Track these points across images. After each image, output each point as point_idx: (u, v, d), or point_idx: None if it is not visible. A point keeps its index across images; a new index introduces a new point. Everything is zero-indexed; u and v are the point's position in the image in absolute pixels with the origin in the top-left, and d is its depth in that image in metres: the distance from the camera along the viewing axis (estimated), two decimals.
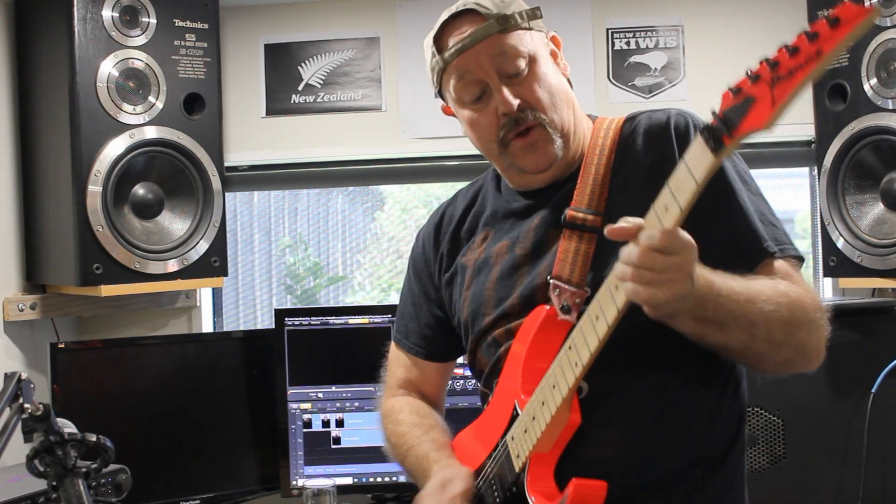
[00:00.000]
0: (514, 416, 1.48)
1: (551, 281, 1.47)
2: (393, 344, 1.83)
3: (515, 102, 1.49)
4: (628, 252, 1.22)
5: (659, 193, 1.21)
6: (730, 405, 1.51)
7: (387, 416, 1.77)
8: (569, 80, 1.59)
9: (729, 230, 1.44)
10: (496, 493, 1.50)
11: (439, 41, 1.55)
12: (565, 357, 1.37)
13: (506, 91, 1.49)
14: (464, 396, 2.49)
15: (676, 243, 1.21)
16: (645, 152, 1.51)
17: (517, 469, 1.45)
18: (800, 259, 1.48)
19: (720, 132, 1.15)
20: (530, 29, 1.52)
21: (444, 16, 1.56)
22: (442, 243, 1.71)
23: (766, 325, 1.34)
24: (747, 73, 1.14)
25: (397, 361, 1.81)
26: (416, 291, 1.76)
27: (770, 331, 1.34)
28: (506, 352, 1.55)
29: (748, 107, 1.13)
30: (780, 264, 1.44)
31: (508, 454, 1.48)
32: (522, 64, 1.49)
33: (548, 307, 1.48)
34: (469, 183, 1.78)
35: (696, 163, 1.17)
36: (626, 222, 1.24)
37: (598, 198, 1.50)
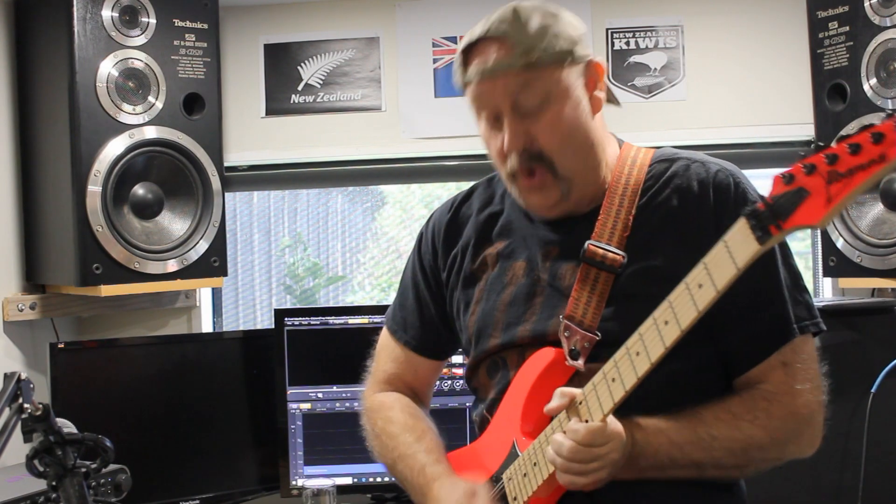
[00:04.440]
0: (512, 455, 1.47)
1: (563, 322, 1.45)
2: (386, 332, 1.77)
3: (519, 144, 1.45)
4: (557, 444, 1.34)
5: (693, 269, 1.22)
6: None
7: (375, 410, 1.72)
8: (604, 104, 1.54)
9: (760, 306, 1.42)
10: None
11: (466, 54, 1.50)
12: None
13: (514, 129, 1.45)
14: (453, 397, 2.49)
15: (600, 438, 1.31)
16: (677, 202, 1.47)
17: None
18: (818, 332, 1.49)
19: (768, 221, 1.12)
20: (560, 64, 1.46)
21: (478, 30, 1.50)
22: (454, 243, 1.66)
23: (716, 464, 1.41)
24: (802, 162, 1.09)
25: (388, 352, 1.76)
26: (421, 285, 1.71)
27: (722, 465, 1.42)
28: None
29: (801, 199, 1.09)
30: (791, 353, 1.45)
31: (504, 494, 1.48)
32: (539, 102, 1.45)
33: (554, 351, 1.46)
34: (487, 177, 1.71)
35: (737, 248, 1.16)
36: (562, 398, 1.37)
37: (619, 234, 1.47)
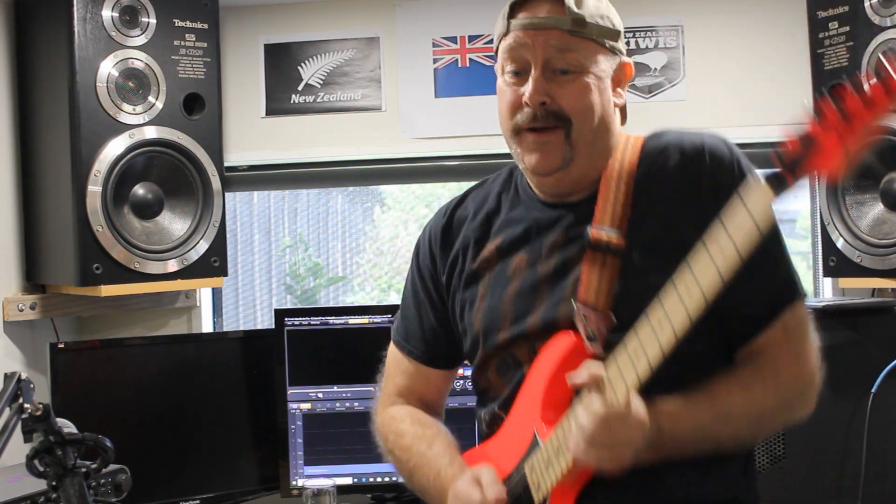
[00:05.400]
0: (534, 445, 1.46)
1: (576, 306, 1.44)
2: (392, 346, 1.77)
3: (540, 99, 1.46)
4: (580, 426, 1.32)
5: (711, 234, 1.22)
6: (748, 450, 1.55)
7: (386, 426, 1.71)
8: (622, 112, 1.55)
9: (764, 270, 1.42)
10: None
11: (514, 6, 1.50)
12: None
13: (539, 83, 1.46)
14: (455, 397, 2.49)
15: (624, 419, 1.30)
16: (674, 173, 1.47)
17: (536, 501, 1.44)
18: (805, 295, 1.50)
19: (783, 169, 1.15)
20: (602, 46, 1.48)
21: None
22: (451, 247, 1.65)
23: (733, 436, 1.44)
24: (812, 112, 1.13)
25: (397, 366, 1.74)
26: (421, 294, 1.70)
27: (739, 436, 1.46)
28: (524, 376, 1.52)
29: (813, 146, 1.12)
30: (791, 318, 1.45)
31: (526, 484, 1.46)
32: (572, 67, 1.46)
33: (573, 335, 1.45)
34: (478, 182, 1.71)
35: (754, 201, 1.17)
36: (589, 373, 1.35)
37: (620, 216, 1.47)
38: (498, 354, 1.56)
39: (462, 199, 1.70)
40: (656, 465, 1.38)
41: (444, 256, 1.66)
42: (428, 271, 1.69)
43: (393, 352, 1.76)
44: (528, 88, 1.46)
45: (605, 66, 1.49)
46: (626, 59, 1.53)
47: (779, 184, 1.15)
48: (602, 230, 1.46)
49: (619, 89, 1.53)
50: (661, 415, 1.37)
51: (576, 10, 1.45)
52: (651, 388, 1.34)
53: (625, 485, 1.37)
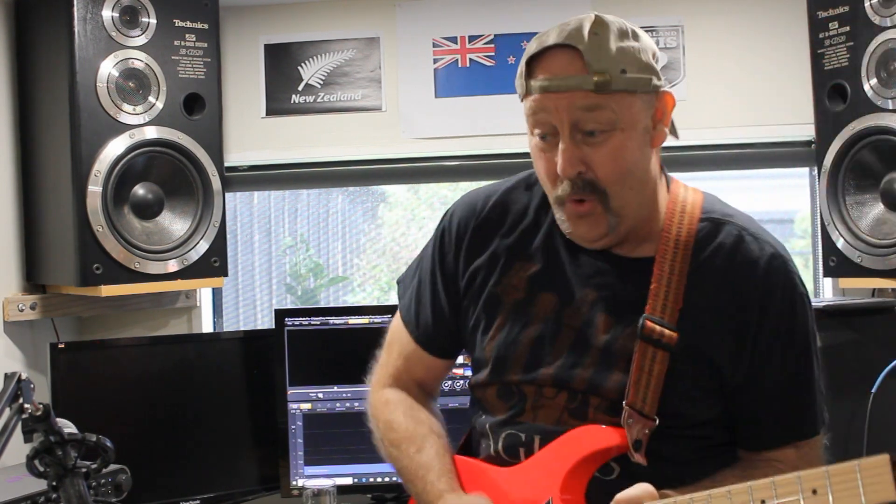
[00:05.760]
0: None
1: (626, 408, 1.39)
2: (399, 322, 1.68)
3: (574, 170, 1.38)
4: None
5: (812, 469, 1.17)
6: None
7: (379, 409, 1.67)
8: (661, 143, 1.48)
9: (794, 394, 1.43)
10: None
11: (532, 62, 1.40)
12: None
13: (569, 153, 1.37)
14: (454, 397, 2.48)
15: None
16: (726, 279, 1.42)
17: None
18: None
19: None
20: (633, 92, 1.37)
21: (552, 37, 1.38)
22: (478, 255, 1.57)
23: None
24: None
25: (400, 347, 1.68)
26: (439, 283, 1.61)
27: None
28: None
29: None
30: (806, 444, 1.47)
31: None
32: (602, 126, 1.36)
33: (620, 437, 1.41)
34: (523, 178, 1.60)
35: (872, 487, 1.10)
36: None
37: (671, 308, 1.41)
38: (504, 384, 1.53)
39: (503, 201, 1.58)
40: None
41: (468, 260, 1.58)
42: (450, 265, 1.61)
43: (398, 327, 1.70)
44: (559, 160, 1.38)
45: (640, 109, 1.39)
46: (664, 88, 1.42)
47: None
48: (656, 322, 1.40)
49: (660, 125, 1.44)
50: None
51: (595, 65, 1.34)
52: (660, 473, 1.36)
53: None
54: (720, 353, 1.39)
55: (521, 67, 1.42)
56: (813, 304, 1.50)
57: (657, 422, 1.38)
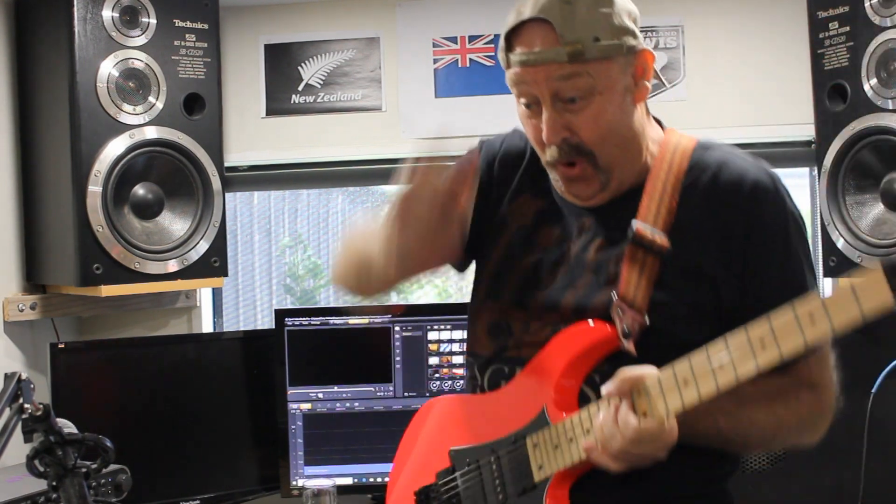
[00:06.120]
0: (540, 421, 1.45)
1: (616, 300, 1.42)
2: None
3: (558, 136, 1.43)
4: (608, 436, 1.33)
5: (809, 300, 1.20)
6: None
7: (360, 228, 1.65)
8: (646, 102, 1.52)
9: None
10: (499, 488, 1.48)
11: (510, 38, 1.44)
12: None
13: (552, 120, 1.42)
14: None
15: (652, 439, 1.31)
16: (717, 196, 1.46)
17: (536, 479, 1.44)
18: None
19: None
20: (609, 59, 1.41)
21: (526, 11, 1.42)
22: (505, 176, 1.61)
23: (744, 443, 1.46)
24: None
25: None
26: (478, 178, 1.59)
27: (749, 445, 1.49)
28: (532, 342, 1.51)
29: None
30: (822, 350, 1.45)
31: (527, 458, 1.46)
32: (581, 93, 1.41)
33: (609, 327, 1.43)
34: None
35: (867, 296, 1.13)
36: (623, 384, 1.33)
37: (664, 218, 1.44)
38: (492, 315, 1.57)
39: (525, 135, 1.59)
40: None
41: (493, 177, 1.62)
42: (485, 170, 1.63)
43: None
44: (544, 128, 1.43)
45: (617, 71, 1.43)
46: (642, 47, 1.45)
47: None
48: (647, 228, 1.44)
49: (642, 81, 1.48)
50: (689, 413, 1.35)
51: (569, 36, 1.38)
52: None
53: (623, 477, 1.38)
54: (712, 268, 1.40)
55: (501, 41, 1.47)
56: None
57: (647, 320, 1.41)
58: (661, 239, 1.43)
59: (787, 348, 1.22)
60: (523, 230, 1.57)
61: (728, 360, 1.27)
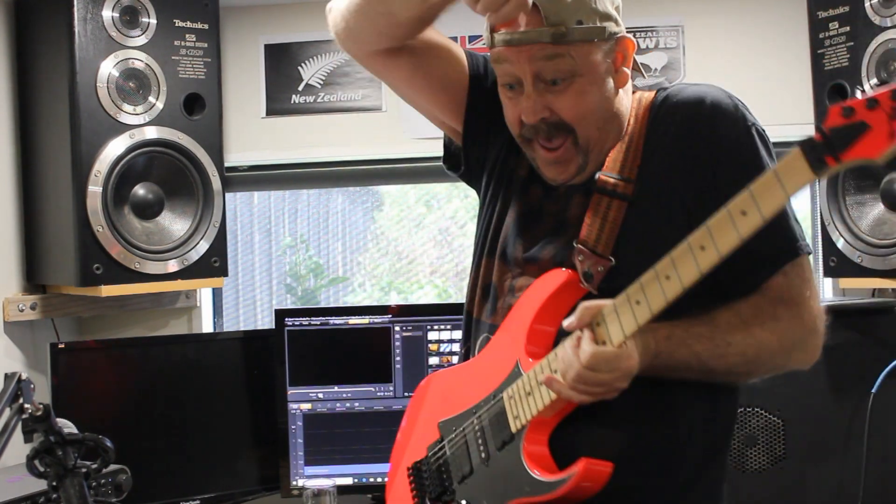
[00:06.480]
0: (515, 374, 1.47)
1: (577, 246, 1.46)
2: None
3: (538, 117, 1.46)
4: (566, 364, 1.34)
5: (737, 195, 1.21)
6: (725, 403, 1.55)
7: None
8: (629, 83, 1.54)
9: (768, 230, 1.41)
10: (481, 446, 1.50)
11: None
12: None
13: (533, 100, 1.46)
14: None
15: (611, 364, 1.32)
16: (680, 125, 1.48)
17: (513, 430, 1.45)
18: (810, 252, 1.50)
19: (823, 152, 1.12)
20: (591, 42, 1.44)
21: None
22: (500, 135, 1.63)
23: (728, 370, 1.44)
24: (864, 97, 1.09)
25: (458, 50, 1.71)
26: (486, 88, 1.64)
27: (734, 371, 1.45)
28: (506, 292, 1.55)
29: (861, 132, 1.09)
30: (791, 268, 1.45)
31: (503, 411, 1.47)
32: (563, 74, 1.44)
33: (567, 271, 1.46)
34: None
35: (789, 176, 1.16)
36: (584, 313, 1.34)
37: (630, 164, 1.48)
38: (481, 278, 1.61)
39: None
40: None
41: (496, 133, 1.64)
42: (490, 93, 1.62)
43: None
44: (524, 106, 1.47)
45: (598, 57, 1.46)
46: (622, 34, 1.48)
47: (820, 166, 1.13)
48: (609, 176, 1.47)
49: (622, 68, 1.50)
50: (658, 338, 1.38)
51: (553, 17, 1.41)
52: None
53: (601, 422, 1.41)
54: (685, 196, 1.43)
55: (487, 21, 1.50)
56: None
57: (612, 261, 1.43)
58: (623, 184, 1.46)
59: (723, 244, 1.23)
60: (521, 182, 1.61)
61: (672, 270, 1.28)
